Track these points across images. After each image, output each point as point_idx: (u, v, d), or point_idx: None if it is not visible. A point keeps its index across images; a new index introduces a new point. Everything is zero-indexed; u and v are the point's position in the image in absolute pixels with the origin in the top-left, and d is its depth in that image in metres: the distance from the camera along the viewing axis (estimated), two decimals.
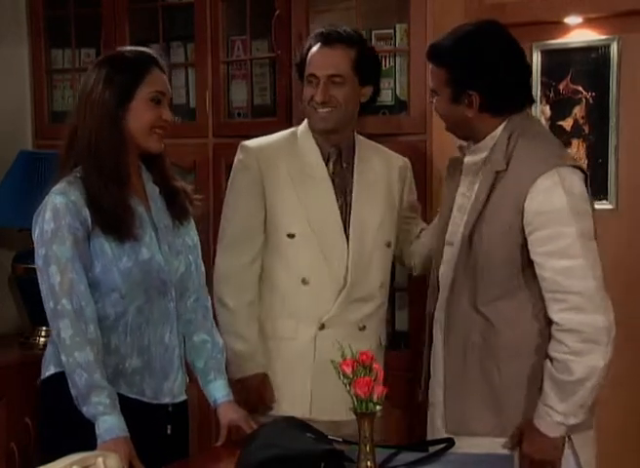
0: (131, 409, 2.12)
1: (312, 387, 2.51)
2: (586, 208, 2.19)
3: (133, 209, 2.15)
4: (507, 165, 2.22)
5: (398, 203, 2.68)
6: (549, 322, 2.18)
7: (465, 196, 2.32)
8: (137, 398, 2.16)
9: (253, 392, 2.51)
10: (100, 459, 1.78)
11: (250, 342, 2.53)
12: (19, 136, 3.69)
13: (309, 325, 2.52)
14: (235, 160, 2.62)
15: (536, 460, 2.19)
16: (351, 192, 2.58)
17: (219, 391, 2.30)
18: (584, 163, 2.89)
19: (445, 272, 2.33)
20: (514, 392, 2.22)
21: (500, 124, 2.26)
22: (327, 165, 2.58)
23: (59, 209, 2.07)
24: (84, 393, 2.03)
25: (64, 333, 2.04)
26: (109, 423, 2.03)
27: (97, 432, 2.03)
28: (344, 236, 2.55)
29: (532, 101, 2.37)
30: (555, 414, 2.15)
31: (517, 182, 2.18)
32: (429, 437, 2.36)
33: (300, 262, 2.53)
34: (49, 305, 2.07)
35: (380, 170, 2.64)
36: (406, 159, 2.73)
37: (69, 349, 2.04)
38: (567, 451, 2.22)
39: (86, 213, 2.09)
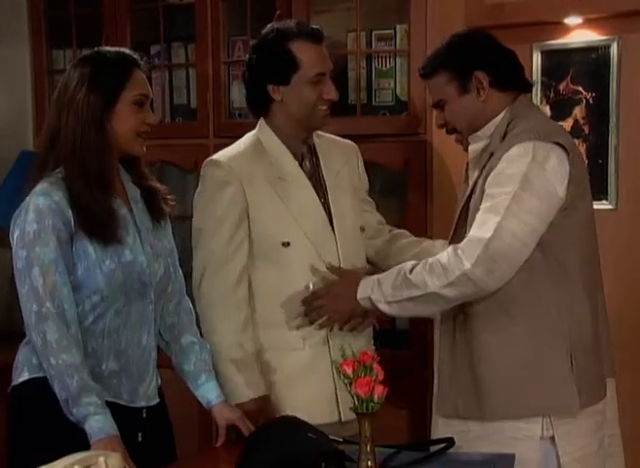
0: None
1: (338, 389, 2.43)
2: (546, 185, 2.17)
3: (117, 212, 2.13)
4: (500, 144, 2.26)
5: (359, 189, 2.67)
6: (528, 303, 2.21)
7: (469, 186, 2.35)
8: (114, 401, 2.13)
9: (252, 416, 2.36)
10: (101, 458, 1.78)
11: (248, 368, 2.41)
12: (20, 137, 3.70)
13: (318, 330, 2.48)
14: (208, 177, 2.47)
15: (329, 299, 2.35)
16: (326, 187, 2.55)
17: (211, 393, 2.28)
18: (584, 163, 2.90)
19: None
20: (492, 373, 2.23)
21: (507, 105, 2.31)
22: (302, 165, 2.53)
23: (42, 209, 2.04)
24: (75, 395, 2.01)
25: (50, 336, 2.02)
26: (102, 422, 2.01)
27: (88, 432, 2.00)
28: (333, 234, 2.52)
29: (530, 86, 2.41)
30: (376, 290, 2.26)
31: (499, 155, 2.23)
32: (432, 426, 2.39)
33: (302, 269, 2.47)
34: (31, 308, 2.05)
35: (339, 158, 2.61)
36: (354, 144, 2.69)
37: (57, 352, 2.02)
38: (548, 446, 2.23)
39: (69, 214, 2.06)
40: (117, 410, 2.11)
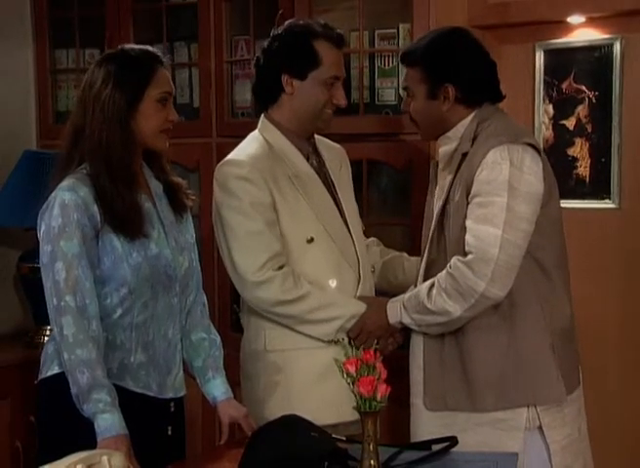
0: (137, 405, 2.14)
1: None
2: (529, 188, 2.25)
3: (142, 207, 2.16)
4: (471, 147, 2.32)
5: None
6: (511, 300, 2.28)
7: (441, 187, 2.41)
8: (143, 392, 2.17)
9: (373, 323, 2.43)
10: (104, 458, 1.78)
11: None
12: (23, 136, 3.70)
13: None
14: (230, 176, 2.43)
15: (367, 325, 2.43)
16: (334, 186, 2.57)
17: (217, 389, 2.30)
18: (587, 162, 2.90)
19: (423, 261, 2.43)
20: (482, 366, 2.30)
21: (471, 112, 2.38)
22: (310, 164, 2.54)
23: (67, 205, 2.07)
24: (85, 391, 2.03)
25: (67, 331, 2.04)
26: (110, 421, 2.03)
27: (96, 430, 2.02)
28: (349, 232, 2.54)
29: (501, 97, 2.45)
30: (405, 315, 2.38)
31: (473, 160, 2.29)
32: (412, 418, 2.43)
33: (325, 265, 2.48)
34: (52, 302, 2.07)
35: (336, 159, 2.64)
36: (342, 148, 2.71)
37: (72, 346, 2.04)
38: (536, 437, 2.29)
39: (94, 209, 2.09)
40: (147, 402, 2.16)
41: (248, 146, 2.52)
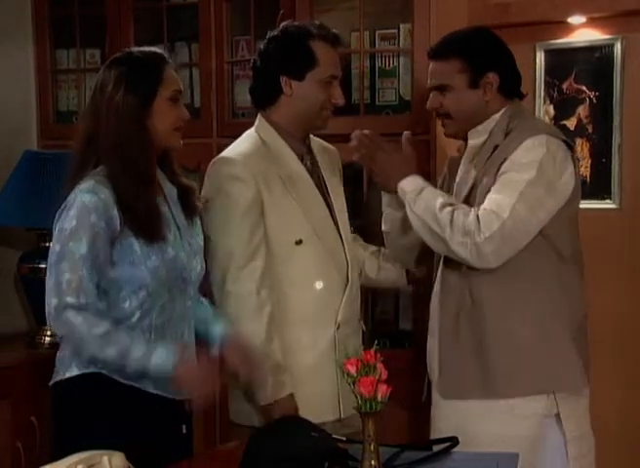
0: (155, 407, 2.15)
1: (340, 388, 2.42)
2: (556, 180, 2.26)
3: (160, 210, 2.17)
4: (504, 140, 2.32)
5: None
6: (532, 285, 2.28)
7: (463, 180, 2.40)
8: (161, 394, 2.17)
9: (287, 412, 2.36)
10: (105, 458, 1.78)
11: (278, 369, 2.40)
12: (24, 136, 3.69)
13: (326, 328, 2.48)
14: (222, 175, 2.46)
15: (380, 160, 2.39)
16: (327, 188, 2.57)
17: (216, 332, 2.29)
18: (588, 162, 2.91)
19: None
20: (499, 352, 2.28)
21: (505, 105, 2.38)
22: (304, 164, 2.54)
23: (86, 206, 2.07)
24: (119, 361, 2.04)
25: (74, 319, 2.04)
26: (163, 353, 2.05)
27: (158, 369, 2.04)
28: (338, 234, 2.54)
29: (524, 95, 2.46)
30: (415, 194, 2.30)
31: (507, 150, 2.29)
32: (432, 409, 2.42)
33: (312, 267, 2.48)
34: (51, 301, 2.06)
35: (329, 160, 2.64)
36: (336, 149, 2.71)
37: (86, 330, 2.03)
38: (552, 424, 2.30)
39: (114, 212, 2.09)
40: (164, 403, 2.17)
41: (242, 144, 2.54)
